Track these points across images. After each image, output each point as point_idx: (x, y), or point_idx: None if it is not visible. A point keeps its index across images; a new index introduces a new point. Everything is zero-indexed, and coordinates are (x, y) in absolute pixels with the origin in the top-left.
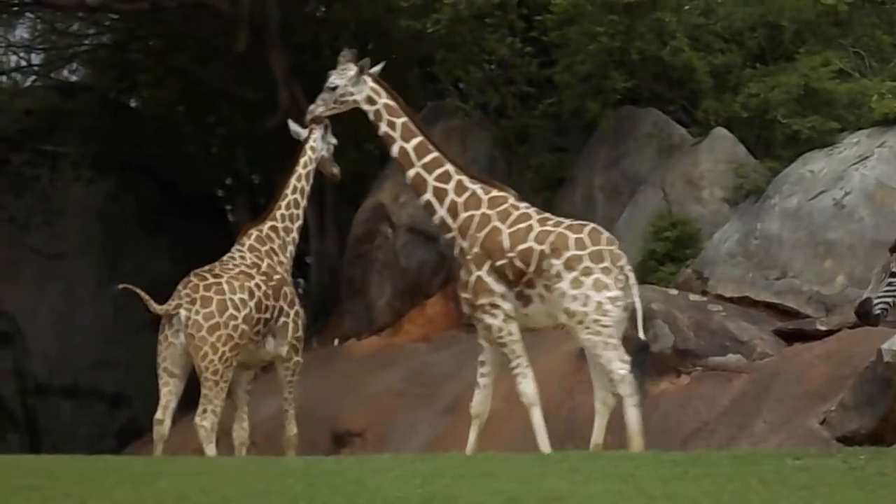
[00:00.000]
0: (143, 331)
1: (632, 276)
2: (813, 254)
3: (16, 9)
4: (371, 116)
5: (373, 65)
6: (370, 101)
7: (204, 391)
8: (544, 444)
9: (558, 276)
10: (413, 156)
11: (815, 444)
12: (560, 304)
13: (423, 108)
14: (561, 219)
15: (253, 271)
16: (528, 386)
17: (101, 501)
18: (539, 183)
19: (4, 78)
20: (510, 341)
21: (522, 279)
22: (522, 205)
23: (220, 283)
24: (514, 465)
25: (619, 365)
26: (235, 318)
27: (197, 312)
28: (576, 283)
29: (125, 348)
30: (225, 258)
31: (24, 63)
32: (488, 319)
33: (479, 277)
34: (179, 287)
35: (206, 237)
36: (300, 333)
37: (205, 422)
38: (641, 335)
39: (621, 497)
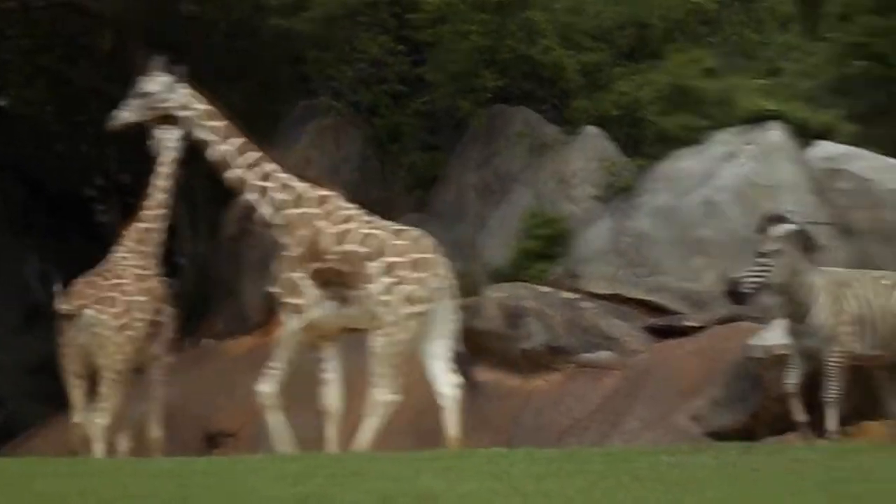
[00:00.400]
0: (16, 331)
1: (455, 283)
2: (683, 251)
3: None
4: (187, 122)
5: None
6: (185, 107)
7: (104, 389)
8: (281, 446)
9: (374, 278)
10: (235, 157)
11: (687, 441)
12: (370, 305)
13: (296, 108)
14: (387, 222)
15: (146, 273)
16: (270, 388)
17: None
18: (412, 181)
19: None
20: (288, 348)
21: (342, 279)
22: (349, 205)
23: (122, 285)
24: (387, 464)
25: (384, 384)
26: (138, 319)
27: (103, 312)
28: (388, 290)
29: None
30: (114, 258)
31: None
32: (286, 320)
33: (294, 278)
34: (81, 287)
35: (75, 237)
36: (172, 334)
37: (101, 419)
38: (461, 347)
39: (495, 495)
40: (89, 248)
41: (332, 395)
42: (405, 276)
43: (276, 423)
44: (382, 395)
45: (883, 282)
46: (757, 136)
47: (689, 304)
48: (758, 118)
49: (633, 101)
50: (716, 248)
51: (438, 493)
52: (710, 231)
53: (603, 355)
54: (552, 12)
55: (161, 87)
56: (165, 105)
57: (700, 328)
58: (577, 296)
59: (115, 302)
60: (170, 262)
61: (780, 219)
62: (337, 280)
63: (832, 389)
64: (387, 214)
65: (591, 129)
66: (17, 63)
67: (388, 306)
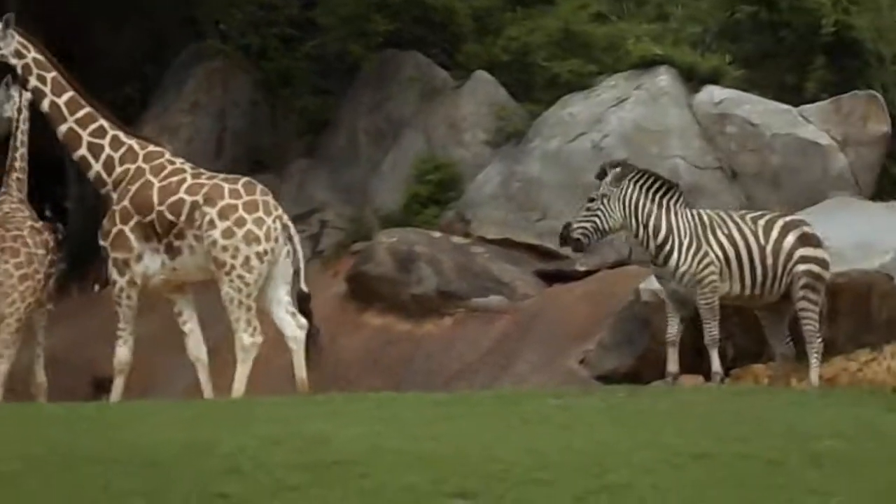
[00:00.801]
0: None
1: (291, 226)
2: (572, 195)
3: None
4: (19, 71)
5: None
6: (18, 55)
7: (5, 337)
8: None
9: (211, 224)
10: (65, 111)
11: (576, 384)
12: (210, 252)
13: (184, 51)
14: (215, 174)
15: (38, 224)
16: (123, 353)
17: None
18: (303, 126)
19: None
20: (126, 304)
21: (172, 230)
22: (178, 160)
23: (22, 236)
24: (277, 408)
25: (244, 328)
26: (38, 271)
27: (6, 262)
28: (227, 233)
29: None
30: (7, 209)
31: None
32: (115, 275)
33: (120, 231)
34: None
35: None
36: (57, 282)
37: (2, 366)
38: (304, 287)
39: (385, 438)
40: None
41: (194, 345)
42: (244, 218)
43: (118, 386)
44: (246, 339)
45: (759, 221)
46: (645, 81)
47: None
48: (646, 63)
49: (524, 46)
50: None
51: (328, 436)
52: None
53: (493, 300)
54: None
55: None
56: (2, 53)
57: (590, 272)
58: (467, 241)
59: (18, 252)
60: (58, 207)
61: (618, 165)
62: (165, 233)
63: (710, 332)
64: (277, 159)
65: (482, 74)
66: None
67: (227, 251)
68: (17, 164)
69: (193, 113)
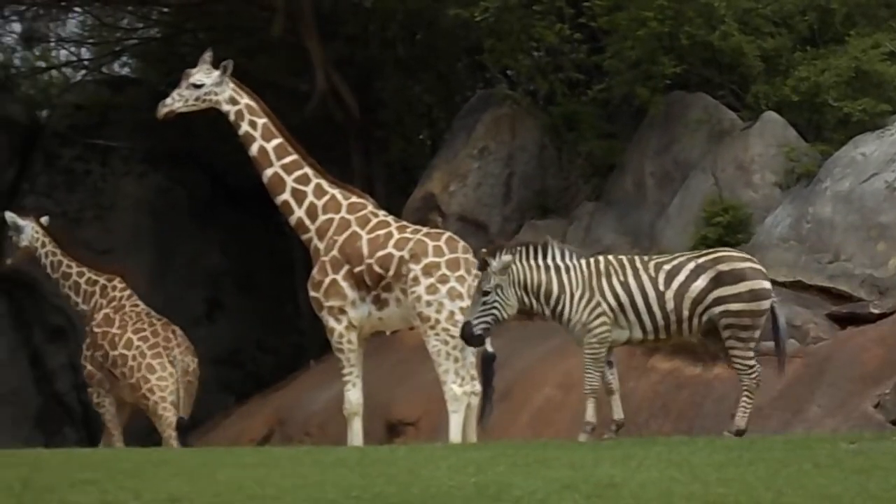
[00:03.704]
0: (198, 323)
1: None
2: (865, 237)
3: (65, 4)
4: (232, 117)
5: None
6: (232, 101)
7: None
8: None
9: (415, 280)
10: (272, 156)
11: (870, 428)
12: (415, 307)
13: (472, 97)
14: (418, 227)
15: None
16: (354, 395)
17: (157, 494)
18: (589, 170)
19: (55, 73)
20: (347, 349)
21: (380, 283)
22: (381, 212)
23: None
24: (567, 452)
25: (452, 379)
26: None
27: None
28: (431, 290)
29: None
30: None
31: (74, 58)
32: (332, 323)
33: (333, 280)
34: None
35: (257, 228)
36: None
37: None
38: (489, 348)
39: (676, 483)
40: (270, 240)
41: (356, 399)
42: (447, 276)
43: (357, 429)
44: (456, 389)
45: (664, 266)
46: None
47: (872, 290)
48: None
49: (814, 87)
50: None
51: (619, 482)
52: (893, 216)
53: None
54: None
55: (211, 80)
56: (214, 98)
57: (883, 315)
58: None
59: None
60: None
61: (497, 251)
62: (374, 285)
63: (590, 382)
64: (564, 202)
65: (771, 115)
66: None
67: (431, 306)
68: None
69: (482, 158)
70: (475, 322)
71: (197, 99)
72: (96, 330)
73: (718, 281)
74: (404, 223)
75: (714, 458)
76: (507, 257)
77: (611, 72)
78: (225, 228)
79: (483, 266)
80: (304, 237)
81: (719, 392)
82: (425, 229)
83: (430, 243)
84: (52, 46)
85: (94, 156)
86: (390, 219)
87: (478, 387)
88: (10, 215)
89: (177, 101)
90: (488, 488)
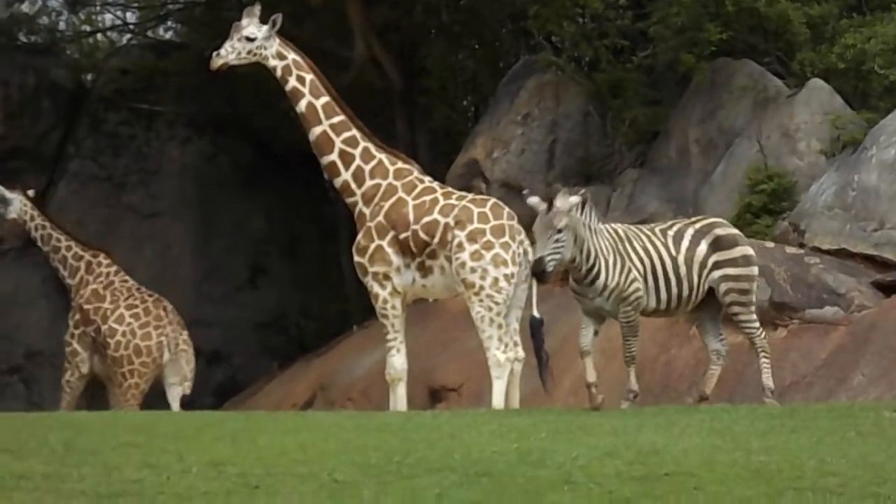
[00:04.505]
0: (242, 288)
1: (531, 251)
2: None
3: None
4: (279, 72)
5: None
6: (280, 56)
7: None
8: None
9: (460, 247)
10: (321, 114)
11: None
12: (459, 274)
13: (516, 64)
14: (464, 193)
15: None
16: (398, 361)
17: (199, 457)
18: (633, 137)
19: (100, 37)
20: (392, 315)
21: (426, 250)
22: (426, 178)
23: None
24: (609, 419)
25: (496, 346)
26: None
27: None
28: (476, 256)
29: (221, 306)
30: None
31: (119, 22)
32: (377, 289)
33: (379, 246)
34: None
35: (301, 195)
36: None
37: None
38: (535, 312)
39: (718, 450)
40: (314, 206)
41: (399, 364)
42: (491, 242)
43: (402, 394)
44: (499, 356)
45: (668, 232)
46: None
47: None
48: None
49: (860, 54)
50: None
51: (661, 449)
52: None
53: (829, 311)
54: None
55: (262, 34)
56: (263, 53)
57: None
58: (802, 251)
59: None
60: None
61: (566, 192)
62: (419, 251)
63: (630, 349)
64: (608, 169)
65: (817, 83)
66: None
67: (476, 272)
68: None
69: (525, 125)
70: (548, 258)
71: (249, 52)
72: (86, 307)
73: (717, 245)
74: (450, 189)
75: (756, 426)
76: (574, 198)
77: (656, 38)
78: (269, 194)
79: (549, 205)
80: (349, 200)
81: None
82: (471, 196)
83: (476, 210)
84: (98, 10)
85: (139, 120)
86: (436, 185)
87: (521, 353)
88: None
89: (230, 54)
90: (530, 454)
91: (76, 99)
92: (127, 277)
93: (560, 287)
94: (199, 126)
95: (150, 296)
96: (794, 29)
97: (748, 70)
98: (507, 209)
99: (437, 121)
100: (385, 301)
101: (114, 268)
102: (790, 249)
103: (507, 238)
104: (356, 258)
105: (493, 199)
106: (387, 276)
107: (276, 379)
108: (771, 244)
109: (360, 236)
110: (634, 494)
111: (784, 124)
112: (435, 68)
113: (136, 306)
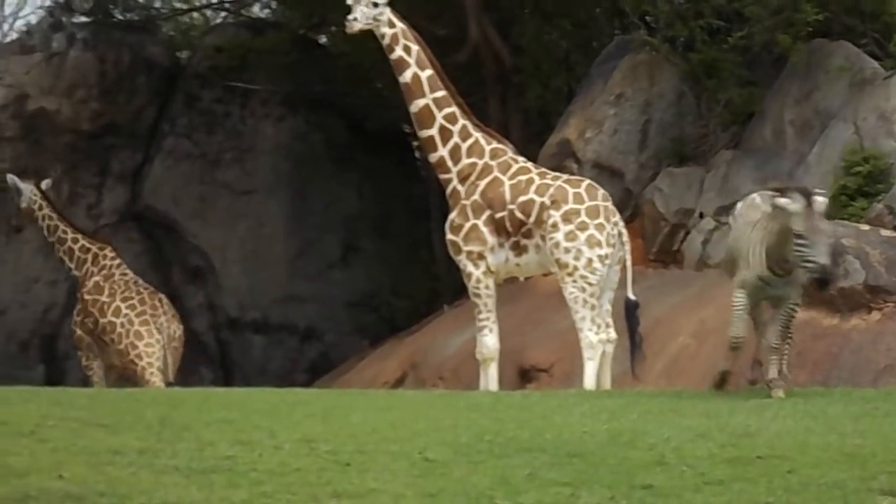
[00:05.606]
0: (334, 266)
1: (625, 232)
2: None
3: None
4: (387, 40)
5: None
6: (391, 24)
7: None
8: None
9: (555, 227)
10: (426, 86)
11: None
12: (553, 254)
13: (610, 43)
14: (558, 173)
15: None
16: (490, 340)
17: (291, 434)
18: (728, 118)
19: (196, 15)
20: (485, 294)
21: (521, 229)
22: (520, 158)
23: None
24: (702, 401)
25: (589, 326)
26: None
27: None
28: (570, 237)
29: (314, 283)
30: None
31: (214, 0)
32: (470, 268)
33: (474, 225)
34: None
35: (393, 173)
36: None
37: None
38: (631, 294)
39: (811, 434)
40: (407, 184)
41: (492, 343)
42: (586, 223)
43: (493, 374)
44: (592, 336)
45: None
46: None
47: None
48: None
49: None
50: None
51: (753, 431)
52: None
53: None
54: None
55: (381, 2)
56: (381, 19)
57: None
58: None
59: None
60: None
61: (809, 193)
62: (515, 231)
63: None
64: (701, 150)
65: None
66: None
67: (570, 253)
68: None
69: (618, 105)
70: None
71: (373, 18)
72: (87, 297)
73: None
74: (544, 169)
75: (850, 410)
76: (824, 199)
77: (752, 18)
78: (362, 173)
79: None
80: (443, 177)
81: (856, 343)
82: (565, 176)
83: (571, 190)
84: None
85: (233, 98)
86: (530, 165)
87: (613, 334)
88: (10, 178)
89: (360, 21)
90: (621, 435)
91: (171, 76)
92: (127, 271)
93: (653, 269)
94: (292, 104)
95: (145, 289)
96: (892, 10)
97: (844, 51)
98: (601, 190)
99: (530, 100)
100: (478, 280)
101: (117, 261)
102: (885, 232)
103: (601, 219)
104: (450, 236)
105: (588, 180)
106: (481, 256)
107: (367, 357)
108: (866, 227)
109: (454, 214)
110: (727, 477)
111: (880, 106)
112: (529, 48)
113: (132, 297)
